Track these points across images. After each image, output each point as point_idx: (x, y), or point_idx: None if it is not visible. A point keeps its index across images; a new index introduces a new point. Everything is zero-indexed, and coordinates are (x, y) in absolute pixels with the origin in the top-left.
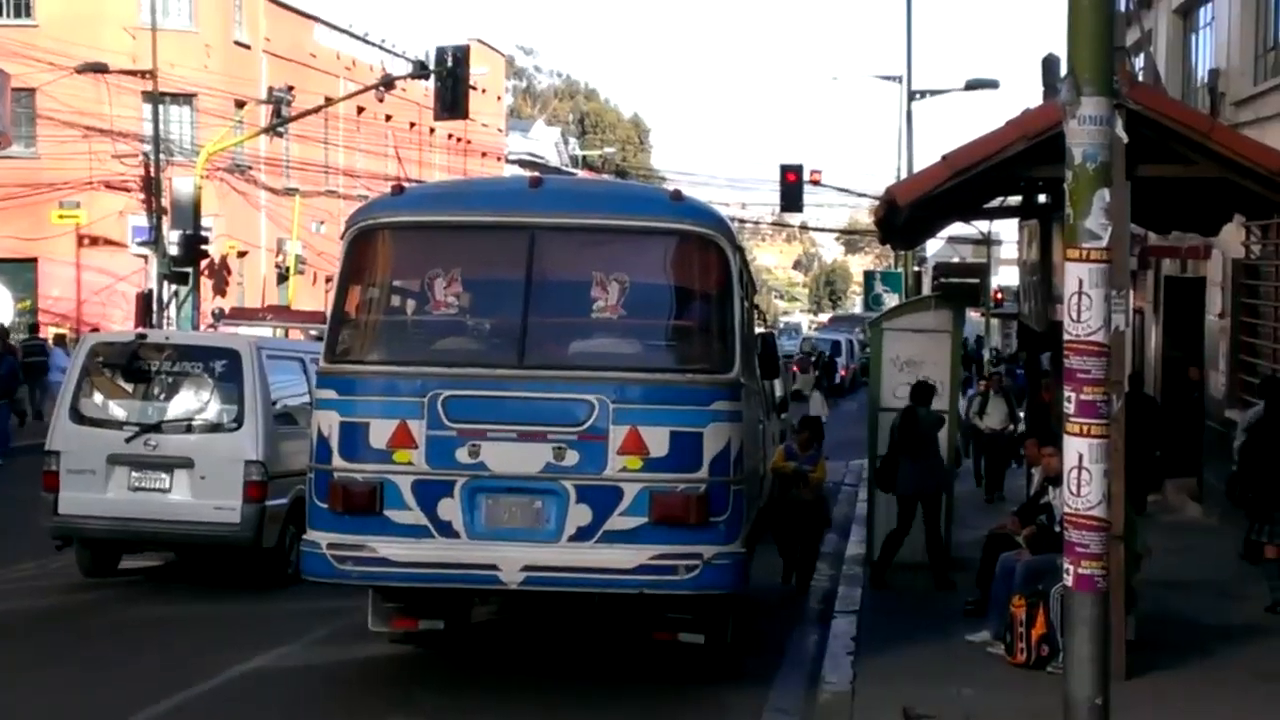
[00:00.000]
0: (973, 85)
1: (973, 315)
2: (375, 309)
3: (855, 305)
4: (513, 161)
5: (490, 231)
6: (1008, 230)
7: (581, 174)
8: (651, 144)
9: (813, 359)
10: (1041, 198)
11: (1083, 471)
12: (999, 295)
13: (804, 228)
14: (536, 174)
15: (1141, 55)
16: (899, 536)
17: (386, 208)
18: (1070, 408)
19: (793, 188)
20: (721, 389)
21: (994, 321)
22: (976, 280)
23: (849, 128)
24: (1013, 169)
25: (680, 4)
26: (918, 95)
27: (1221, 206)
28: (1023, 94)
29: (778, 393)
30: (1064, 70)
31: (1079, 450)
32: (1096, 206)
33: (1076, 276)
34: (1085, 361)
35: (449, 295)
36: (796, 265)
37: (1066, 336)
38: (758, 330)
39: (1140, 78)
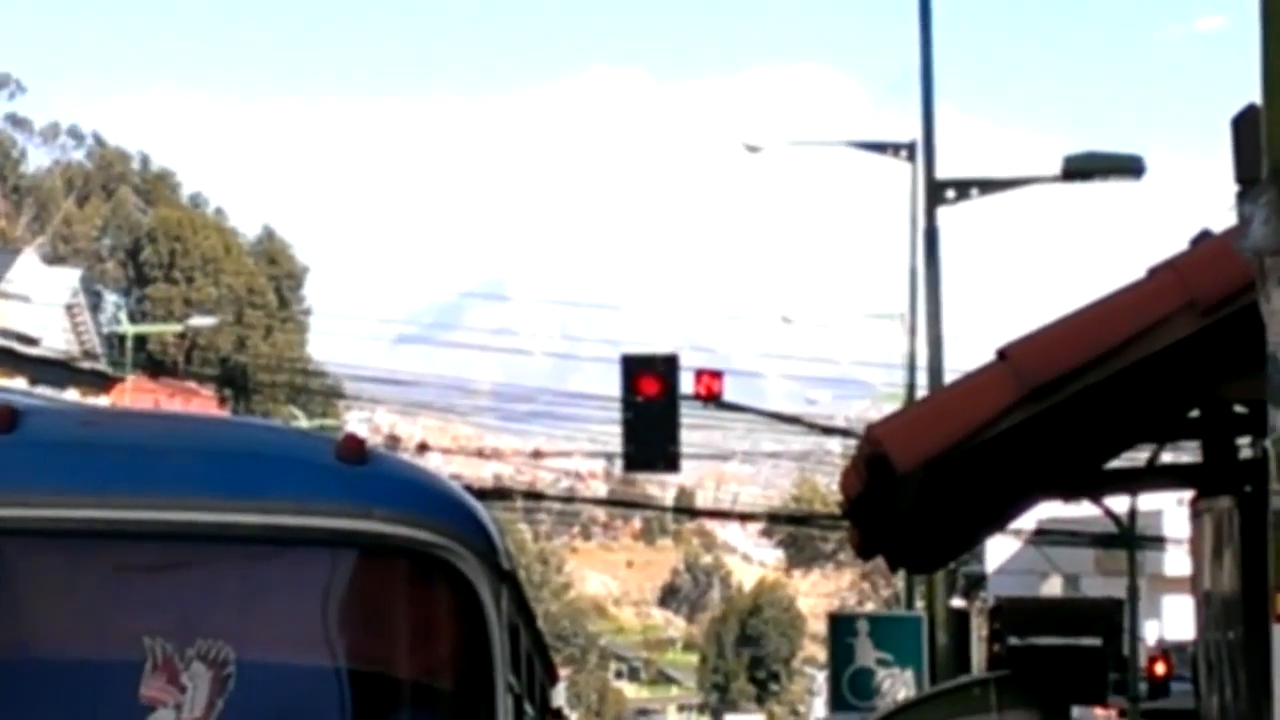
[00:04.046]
0: (1078, 171)
1: (1097, 716)
2: None
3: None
4: None
5: None
6: (1173, 510)
7: (127, 388)
8: (307, 302)
9: None
10: (1244, 446)
11: None
12: (1163, 664)
13: (686, 510)
14: (6, 402)
15: None
16: None
17: None
18: None
19: (656, 411)
20: None
21: None
22: (1099, 640)
23: (796, 281)
24: (1171, 379)
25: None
26: (948, 192)
27: None
28: (1171, 183)
29: None
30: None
31: None
32: None
33: None
34: None
35: None
36: (669, 596)
37: None
38: None
39: None
